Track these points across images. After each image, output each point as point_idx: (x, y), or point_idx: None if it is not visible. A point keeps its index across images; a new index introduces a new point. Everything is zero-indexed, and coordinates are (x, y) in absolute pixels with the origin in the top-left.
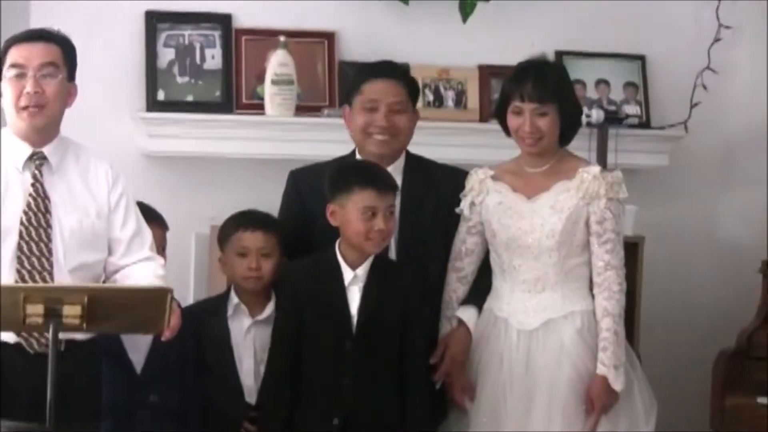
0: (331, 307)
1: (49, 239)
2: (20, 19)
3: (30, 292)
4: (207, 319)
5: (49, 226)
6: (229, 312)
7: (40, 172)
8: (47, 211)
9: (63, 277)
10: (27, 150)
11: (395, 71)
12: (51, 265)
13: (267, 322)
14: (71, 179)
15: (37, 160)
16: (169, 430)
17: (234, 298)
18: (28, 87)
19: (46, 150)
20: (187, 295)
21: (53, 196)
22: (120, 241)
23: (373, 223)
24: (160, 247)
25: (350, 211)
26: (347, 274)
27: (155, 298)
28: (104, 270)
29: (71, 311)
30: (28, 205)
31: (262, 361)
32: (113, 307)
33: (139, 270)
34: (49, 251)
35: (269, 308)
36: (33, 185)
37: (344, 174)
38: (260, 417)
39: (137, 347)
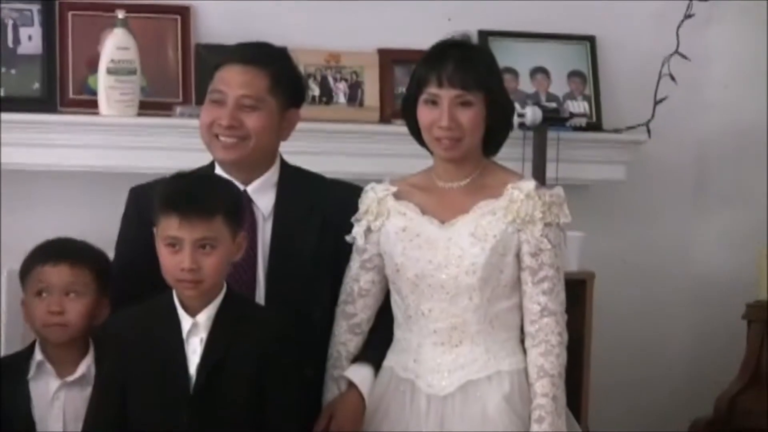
0: (164, 366)
1: None
2: None
3: None
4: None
5: None
6: (31, 373)
7: None
8: None
9: None
10: None
11: (253, 55)
12: None
13: (81, 383)
14: None
15: None
16: None
17: (38, 355)
18: None
19: None
20: None
21: None
22: None
23: (176, 259)
24: None
25: (159, 243)
26: (185, 322)
27: None
28: None
29: None
30: None
31: None
32: None
33: None
34: None
35: (83, 366)
36: None
37: (158, 192)
38: None
39: None
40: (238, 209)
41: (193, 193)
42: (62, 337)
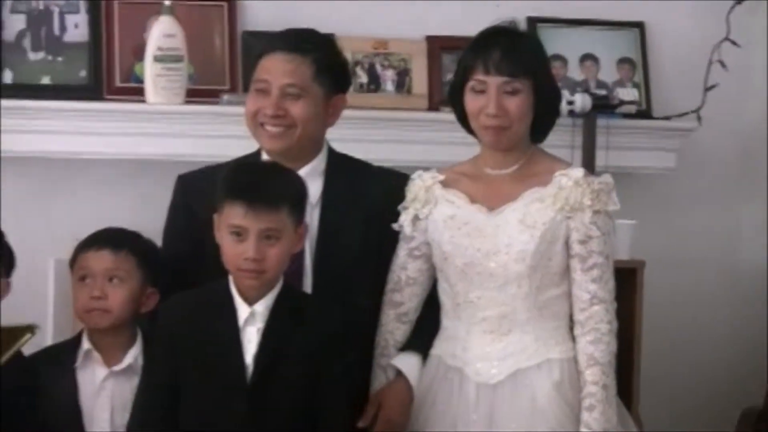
0: (219, 356)
1: None
2: None
3: None
4: (47, 371)
5: None
6: (78, 361)
7: None
8: None
9: None
10: None
11: (297, 43)
12: None
13: (128, 373)
14: None
15: None
16: None
17: (85, 344)
18: None
19: None
20: (44, 338)
21: None
22: None
23: (241, 249)
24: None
25: (222, 231)
26: (242, 311)
27: (12, 338)
28: None
29: None
30: None
31: (121, 425)
32: None
33: None
34: None
35: (131, 355)
36: None
37: (223, 179)
38: None
39: None
40: (303, 200)
41: (261, 183)
42: (104, 323)
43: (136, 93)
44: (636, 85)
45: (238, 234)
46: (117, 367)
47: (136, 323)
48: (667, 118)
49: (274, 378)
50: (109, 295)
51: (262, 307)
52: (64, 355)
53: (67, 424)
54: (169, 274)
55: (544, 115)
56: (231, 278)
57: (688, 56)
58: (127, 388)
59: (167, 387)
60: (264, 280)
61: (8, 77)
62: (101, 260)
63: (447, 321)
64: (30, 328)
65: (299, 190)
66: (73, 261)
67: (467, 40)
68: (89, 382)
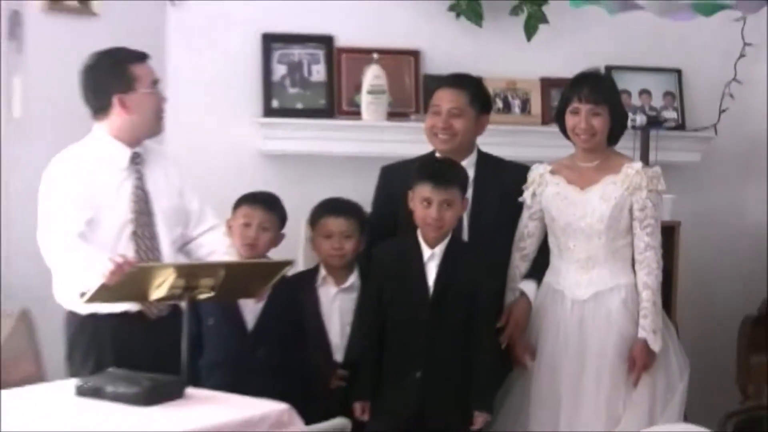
0: (411, 280)
1: (153, 221)
2: (155, 26)
3: (180, 268)
4: (301, 287)
5: (151, 211)
6: (318, 282)
7: (138, 169)
8: (148, 199)
9: (166, 251)
10: (127, 151)
11: (458, 81)
12: (157, 242)
13: (350, 290)
14: (157, 170)
15: (137, 159)
16: (272, 384)
17: (322, 271)
18: None
19: (139, 149)
20: (298, 269)
21: (149, 186)
22: (192, 214)
23: (428, 212)
24: (279, 233)
25: (414, 200)
26: (426, 252)
27: (277, 269)
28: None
29: (206, 283)
30: (135, 194)
31: (346, 323)
32: (239, 279)
33: (210, 239)
34: (155, 232)
35: (351, 278)
36: (137, 179)
37: (416, 168)
38: (355, 369)
39: (250, 309)
40: (465, 182)
41: (441, 170)
42: (340, 264)
43: (356, 114)
44: (675, 109)
45: (426, 202)
46: (343, 286)
47: (354, 258)
48: (695, 130)
49: (446, 296)
50: (345, 247)
51: (439, 249)
52: (309, 277)
53: (313, 322)
54: (375, 230)
55: (616, 128)
56: (419, 231)
57: (709, 90)
58: (349, 300)
59: (376, 303)
60: (441, 233)
61: (275, 103)
62: (339, 224)
63: (553, 260)
64: (289, 262)
65: (463, 175)
66: (316, 220)
67: (566, 80)
68: (325, 296)
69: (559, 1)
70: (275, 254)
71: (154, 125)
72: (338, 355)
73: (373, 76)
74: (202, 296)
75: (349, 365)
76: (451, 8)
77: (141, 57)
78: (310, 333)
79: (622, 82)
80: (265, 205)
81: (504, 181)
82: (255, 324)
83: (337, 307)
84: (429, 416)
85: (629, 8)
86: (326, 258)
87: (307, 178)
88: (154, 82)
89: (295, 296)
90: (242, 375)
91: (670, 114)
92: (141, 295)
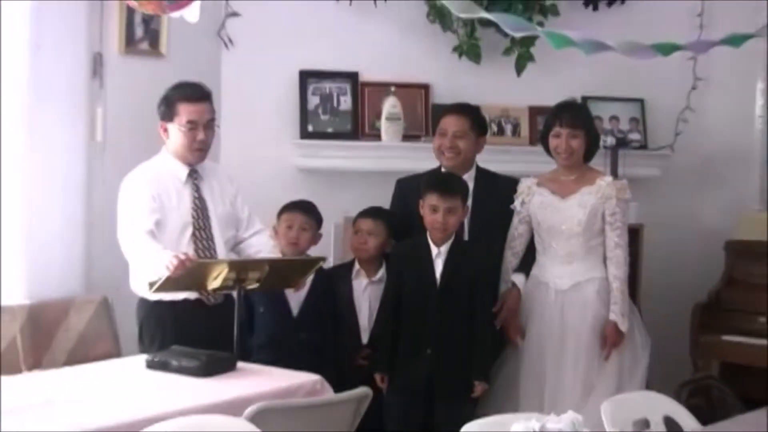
0: (422, 273)
1: (210, 225)
2: (212, 65)
3: (232, 264)
4: (337, 278)
5: (208, 216)
6: (352, 274)
7: (196, 183)
8: (205, 206)
9: (220, 249)
10: (185, 168)
11: (460, 108)
12: (213, 242)
13: (379, 282)
14: (213, 183)
15: (194, 174)
16: (309, 360)
17: (356, 265)
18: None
19: (197, 167)
20: (329, 264)
21: (205, 195)
22: (242, 220)
23: (435, 217)
24: (317, 233)
25: (424, 207)
26: (434, 250)
27: (311, 265)
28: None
29: (253, 276)
30: (194, 203)
31: (374, 309)
32: (280, 272)
33: (258, 240)
34: (211, 234)
35: (381, 272)
36: (194, 191)
37: (425, 181)
38: (375, 346)
39: (295, 296)
40: (466, 192)
41: (447, 182)
42: (364, 257)
43: (377, 136)
44: (639, 132)
45: (434, 209)
46: (374, 278)
47: (383, 255)
48: (656, 149)
49: (451, 287)
50: (369, 243)
51: (445, 248)
52: (344, 271)
53: (347, 310)
54: (396, 231)
55: (591, 148)
56: (428, 233)
57: (667, 117)
58: (378, 291)
59: (395, 295)
60: (446, 234)
61: (310, 128)
62: (366, 224)
63: (539, 257)
64: (321, 259)
65: (465, 187)
66: (354, 222)
67: (550, 108)
68: (358, 287)
69: (544, 44)
70: (316, 249)
71: (186, 156)
72: (365, 336)
73: (390, 105)
74: (250, 287)
75: (372, 344)
76: (455, 49)
77: (192, 97)
78: (343, 318)
79: (596, 109)
80: (303, 210)
81: (498, 192)
82: (298, 311)
83: (367, 296)
84: (437, 385)
85: (601, 49)
86: (354, 251)
87: (336, 189)
88: (189, 122)
89: (331, 288)
90: (285, 353)
91: (635, 136)
92: (199, 286)
